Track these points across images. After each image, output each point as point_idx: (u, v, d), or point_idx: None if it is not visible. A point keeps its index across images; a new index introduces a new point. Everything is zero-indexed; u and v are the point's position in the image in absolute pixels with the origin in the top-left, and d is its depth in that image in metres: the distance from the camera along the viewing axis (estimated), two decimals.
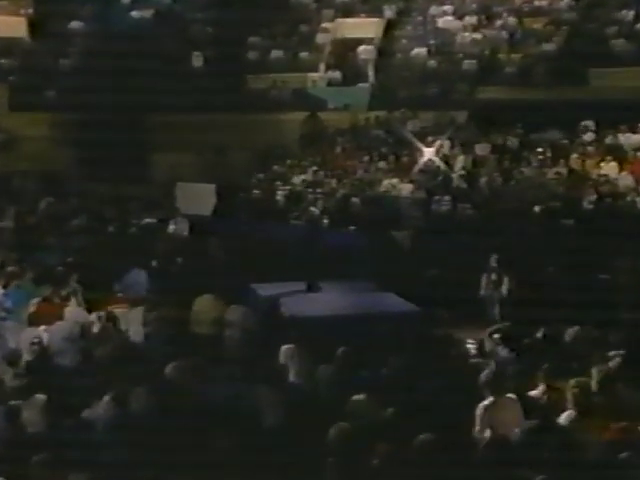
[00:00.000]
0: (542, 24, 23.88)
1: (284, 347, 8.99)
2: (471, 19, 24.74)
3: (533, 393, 7.78)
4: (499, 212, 17.32)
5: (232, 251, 16.17)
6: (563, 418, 7.06)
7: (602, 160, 18.68)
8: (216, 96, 22.85)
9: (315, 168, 20.96)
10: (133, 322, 10.40)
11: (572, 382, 7.27)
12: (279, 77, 24.68)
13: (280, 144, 23.19)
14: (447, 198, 18.24)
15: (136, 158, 22.09)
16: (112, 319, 10.31)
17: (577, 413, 7.04)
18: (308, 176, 20.76)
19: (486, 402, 7.23)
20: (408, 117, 22.51)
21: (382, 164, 20.60)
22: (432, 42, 24.62)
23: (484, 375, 7.54)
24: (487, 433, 6.85)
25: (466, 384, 7.90)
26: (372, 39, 25.06)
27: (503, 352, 9.58)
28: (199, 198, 18.85)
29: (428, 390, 7.72)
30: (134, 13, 26.73)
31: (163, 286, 12.71)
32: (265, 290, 13.83)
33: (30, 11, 26.29)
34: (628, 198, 17.11)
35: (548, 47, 23.05)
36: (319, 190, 19.81)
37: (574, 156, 19.03)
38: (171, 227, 17.64)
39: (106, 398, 7.39)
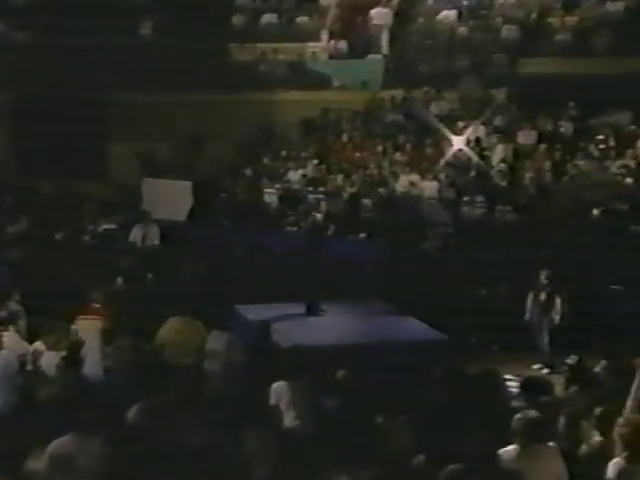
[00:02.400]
0: None
1: (276, 385, 9.06)
2: None
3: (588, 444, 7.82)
4: (548, 216, 17.37)
5: (213, 264, 16.23)
6: (611, 470, 7.07)
7: None
8: (191, 71, 22.89)
9: (316, 161, 21.05)
10: (90, 352, 10.45)
11: (620, 420, 7.26)
12: (271, 47, 24.78)
13: (272, 131, 23.28)
14: (481, 199, 18.33)
15: (90, 147, 22.13)
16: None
17: (628, 462, 7.03)
18: (307, 171, 20.85)
19: (508, 449, 7.31)
20: (432, 97, 22.59)
21: (399, 156, 20.67)
22: (464, 3, 24.73)
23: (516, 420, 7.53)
24: None
25: (506, 431, 7.94)
26: (388, 0, 25.17)
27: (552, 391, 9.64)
28: (171, 199, 18.91)
29: (458, 438, 7.75)
30: None
31: (128, 307, 12.76)
32: (254, 313, 13.89)
33: None
34: None
35: (614, 7, 23.06)
36: (321, 189, 19.90)
37: None
38: (136, 234, 17.70)
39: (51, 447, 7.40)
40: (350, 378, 9.32)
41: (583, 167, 18.84)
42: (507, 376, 10.48)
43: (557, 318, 14.73)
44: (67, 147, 20.98)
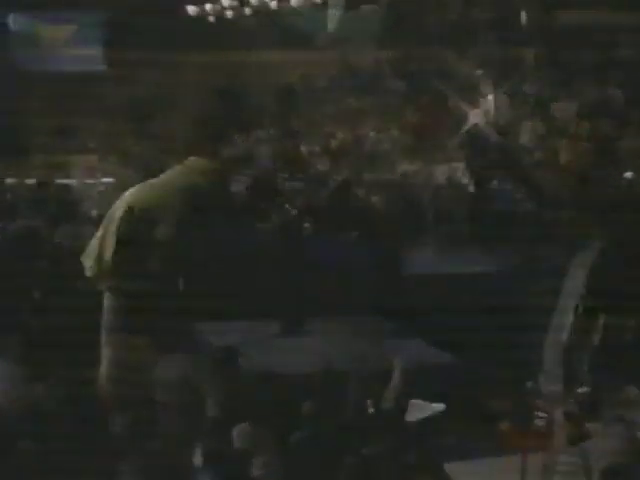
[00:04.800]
0: None
1: (239, 428, 9.09)
2: None
3: None
4: (590, 209, 17.44)
5: (164, 270, 16.21)
6: None
7: None
8: (137, 26, 22.92)
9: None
10: None
11: None
12: None
13: (239, 101, 23.30)
14: (504, 187, 18.39)
15: (4, 122, 22.13)
16: None
17: None
18: (283, 151, 20.89)
19: None
20: (441, 59, 22.66)
21: (401, 133, 20.72)
22: None
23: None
24: None
25: None
26: None
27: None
28: None
29: None
30: None
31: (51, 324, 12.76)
32: (215, 332, 13.88)
33: None
34: None
35: None
36: (301, 175, 19.94)
37: None
38: (65, 234, 17.69)
39: None
40: (333, 414, 9.34)
41: (635, 146, 18.92)
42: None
43: (601, 338, 14.78)
44: None
